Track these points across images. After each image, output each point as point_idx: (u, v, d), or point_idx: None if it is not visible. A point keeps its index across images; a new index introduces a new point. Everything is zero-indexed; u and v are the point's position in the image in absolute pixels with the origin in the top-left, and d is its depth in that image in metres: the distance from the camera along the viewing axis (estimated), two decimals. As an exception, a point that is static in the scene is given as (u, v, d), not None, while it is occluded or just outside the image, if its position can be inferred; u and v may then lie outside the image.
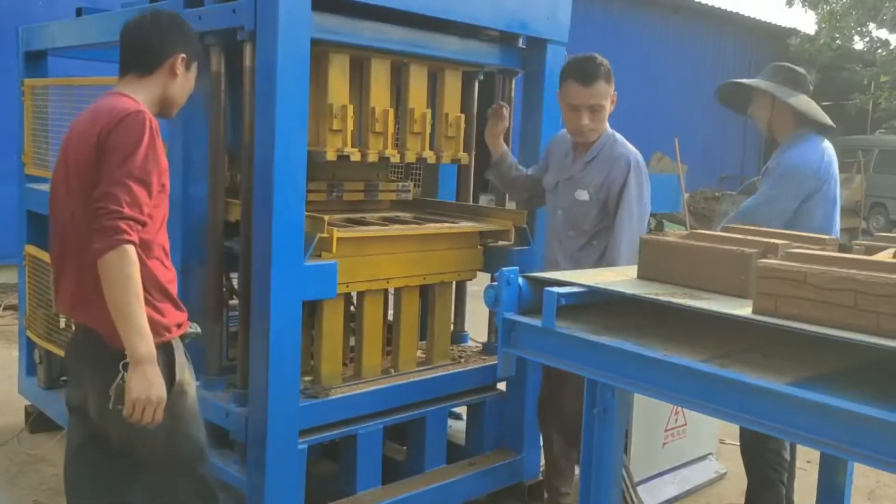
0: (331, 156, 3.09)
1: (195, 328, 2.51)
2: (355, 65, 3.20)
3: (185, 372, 2.40)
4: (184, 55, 2.45)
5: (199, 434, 2.49)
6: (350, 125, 3.14)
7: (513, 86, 3.76)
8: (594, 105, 3.17)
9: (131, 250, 2.14)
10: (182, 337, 2.42)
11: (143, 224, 2.20)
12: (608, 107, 3.22)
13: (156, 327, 2.26)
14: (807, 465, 4.43)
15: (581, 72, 3.16)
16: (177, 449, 2.42)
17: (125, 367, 2.20)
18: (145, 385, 2.18)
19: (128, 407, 2.19)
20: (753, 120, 3.64)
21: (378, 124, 3.23)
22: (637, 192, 3.17)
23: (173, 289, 2.41)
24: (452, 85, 3.50)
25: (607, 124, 3.27)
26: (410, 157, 3.36)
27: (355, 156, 3.14)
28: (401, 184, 3.81)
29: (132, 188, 2.16)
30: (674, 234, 2.35)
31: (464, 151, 3.59)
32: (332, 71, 3.09)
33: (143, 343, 2.17)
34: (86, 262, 2.24)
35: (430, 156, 3.42)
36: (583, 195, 3.22)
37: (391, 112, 3.28)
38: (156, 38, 2.42)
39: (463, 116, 3.55)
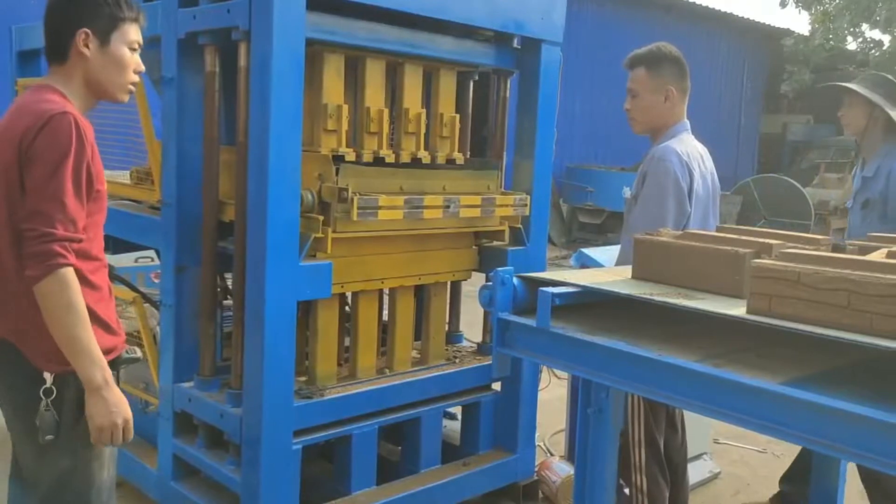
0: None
1: (132, 353, 2.30)
2: (350, 64, 3.20)
3: None
4: (87, 30, 2.11)
5: (100, 480, 2.19)
6: (345, 125, 3.13)
7: (507, 86, 3.76)
8: (631, 89, 3.16)
9: (68, 273, 1.97)
10: (113, 363, 2.17)
11: (80, 241, 2.03)
12: (649, 97, 3.12)
13: None
14: (800, 465, 4.44)
15: (630, 56, 3.16)
16: (67, 493, 2.15)
17: (46, 392, 2.06)
18: (106, 411, 2.05)
19: (94, 435, 2.08)
20: (843, 121, 3.77)
21: (373, 124, 3.23)
22: (652, 189, 3.01)
23: (104, 308, 2.18)
24: (447, 85, 3.50)
25: (676, 124, 3.15)
26: (405, 157, 3.35)
27: (350, 156, 3.14)
28: (517, 196, 3.54)
29: (65, 203, 1.98)
30: (668, 233, 2.35)
31: (458, 151, 3.59)
32: (326, 71, 3.08)
33: (97, 369, 2.02)
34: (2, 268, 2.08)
35: (424, 156, 3.42)
36: (627, 192, 3.18)
37: (386, 112, 3.28)
38: (58, 20, 2.12)
39: (458, 116, 3.55)
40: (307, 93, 2.92)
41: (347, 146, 3.16)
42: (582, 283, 2.12)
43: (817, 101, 20.40)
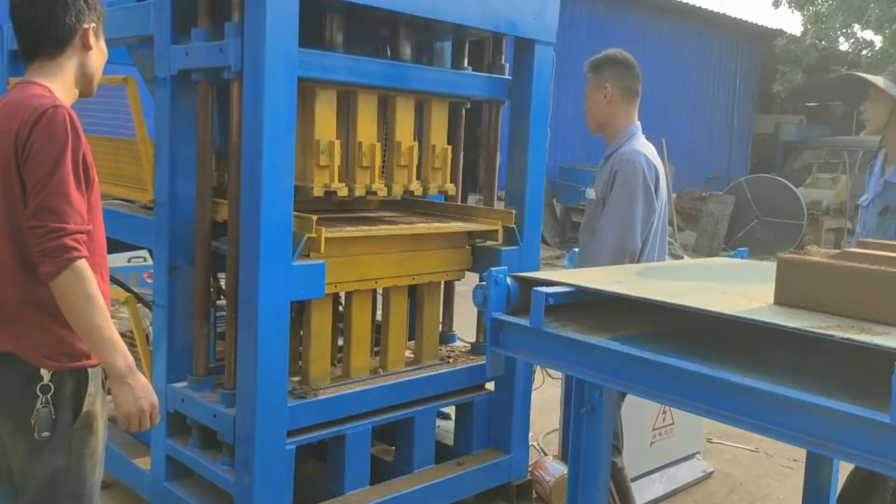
0: (318, 192, 3.10)
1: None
2: (342, 98, 3.21)
3: (95, 404, 2.16)
4: (94, 24, 2.19)
5: (92, 480, 2.18)
6: (337, 160, 3.15)
7: (499, 114, 3.78)
8: (584, 91, 3.33)
9: (84, 265, 1.97)
10: None
11: (88, 231, 2.03)
12: (591, 97, 3.28)
13: (70, 350, 2.08)
14: (793, 464, 4.46)
15: None
16: (60, 492, 2.12)
17: (43, 389, 2.05)
18: (133, 398, 2.06)
19: (122, 423, 2.09)
20: (865, 117, 3.63)
21: (365, 159, 3.25)
22: (622, 190, 3.11)
23: (106, 298, 2.15)
24: (439, 116, 3.51)
25: (629, 126, 3.25)
26: (397, 190, 3.38)
27: (342, 191, 3.15)
28: None
29: (70, 196, 1.98)
30: (817, 251, 2.04)
31: (450, 182, 3.61)
32: (318, 106, 3.09)
33: (119, 357, 2.03)
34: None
35: (416, 188, 3.43)
36: (591, 193, 3.26)
37: (378, 146, 3.29)
38: (59, 11, 2.14)
39: (450, 148, 3.56)
40: (299, 127, 2.91)
41: (340, 181, 3.17)
42: (576, 282, 2.12)
43: (807, 101, 20.47)
